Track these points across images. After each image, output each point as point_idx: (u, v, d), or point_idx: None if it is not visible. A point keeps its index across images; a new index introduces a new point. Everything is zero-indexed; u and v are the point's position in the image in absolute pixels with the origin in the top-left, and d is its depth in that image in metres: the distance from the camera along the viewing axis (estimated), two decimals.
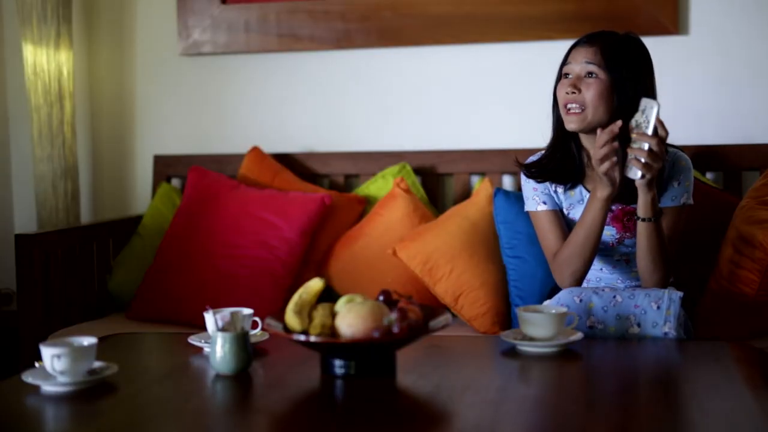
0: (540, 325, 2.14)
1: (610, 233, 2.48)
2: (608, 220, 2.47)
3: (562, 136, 2.49)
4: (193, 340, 2.22)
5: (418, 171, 3.32)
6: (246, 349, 1.98)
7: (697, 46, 3.20)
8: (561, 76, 2.46)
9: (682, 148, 2.53)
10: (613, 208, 2.46)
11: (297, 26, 3.46)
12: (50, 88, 3.46)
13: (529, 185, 2.55)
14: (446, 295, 2.88)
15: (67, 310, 3.06)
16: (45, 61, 3.45)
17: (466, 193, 3.27)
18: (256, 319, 2.18)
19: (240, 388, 1.93)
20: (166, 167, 3.53)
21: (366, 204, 3.25)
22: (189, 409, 1.82)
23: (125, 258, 3.28)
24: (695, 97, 3.18)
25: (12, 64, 3.67)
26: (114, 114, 3.68)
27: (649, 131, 2.26)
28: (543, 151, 2.55)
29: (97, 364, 1.97)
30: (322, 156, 3.42)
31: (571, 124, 2.42)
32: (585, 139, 2.48)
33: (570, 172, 2.50)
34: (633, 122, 2.30)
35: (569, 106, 2.41)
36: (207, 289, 2.99)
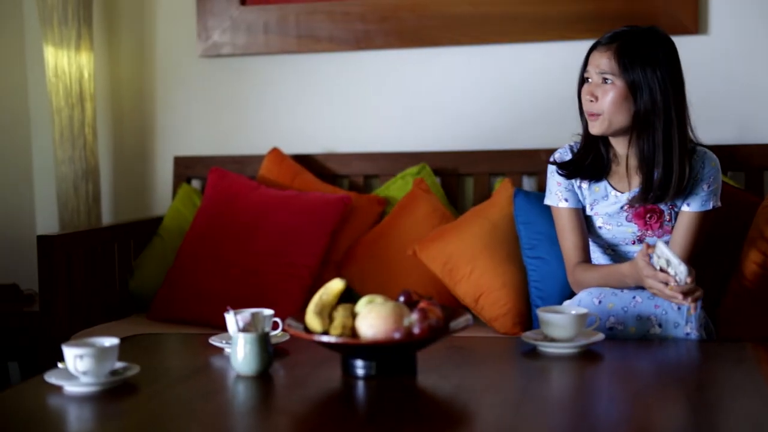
0: (561, 326, 2.14)
1: (631, 230, 2.47)
2: (630, 216, 2.46)
3: (590, 135, 2.48)
4: (214, 340, 2.23)
5: (437, 172, 3.32)
6: (267, 350, 1.98)
7: (717, 46, 3.18)
8: (582, 80, 2.45)
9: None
10: (636, 205, 2.45)
11: (316, 27, 3.46)
12: (71, 90, 3.48)
13: (553, 179, 2.54)
14: (467, 296, 2.88)
15: (89, 310, 3.07)
16: (66, 64, 3.47)
17: (486, 194, 3.26)
18: (277, 319, 2.19)
19: (261, 389, 1.93)
20: (186, 168, 3.54)
21: (386, 205, 3.25)
22: (210, 410, 1.83)
23: (146, 259, 3.30)
24: (716, 96, 3.16)
25: (33, 66, 3.70)
26: (134, 115, 3.70)
27: (681, 277, 2.17)
28: (570, 144, 2.54)
29: (119, 364, 1.98)
30: (342, 157, 3.43)
31: (594, 129, 2.42)
32: (612, 138, 2.47)
33: (598, 170, 2.49)
34: (658, 266, 2.22)
35: (590, 112, 2.42)
36: (227, 290, 3.00)
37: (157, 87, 3.68)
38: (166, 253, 3.27)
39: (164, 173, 3.65)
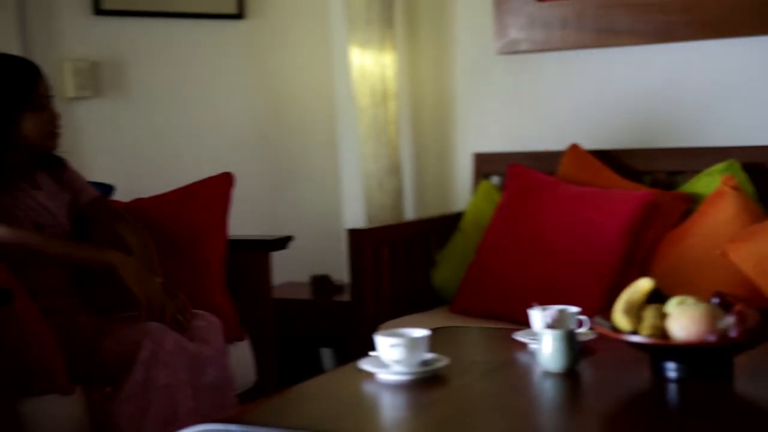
0: None
1: None
2: None
3: None
4: (519, 336, 2.24)
5: (747, 168, 3.15)
6: (573, 347, 1.97)
7: None
8: None
9: None
10: None
11: (615, 21, 3.40)
12: (375, 90, 3.62)
13: None
14: None
15: (394, 302, 3.19)
16: (370, 64, 3.62)
17: None
18: (582, 317, 2.17)
19: (568, 387, 1.92)
20: (485, 165, 3.59)
21: (691, 203, 3.14)
22: (518, 405, 1.85)
23: (448, 253, 3.38)
24: None
25: (340, 67, 3.89)
26: (435, 113, 3.80)
27: None
28: None
29: (429, 355, 2.03)
30: (644, 152, 3.34)
31: None
32: None
33: None
34: None
35: None
36: (528, 285, 3.01)
37: (456, 85, 3.76)
38: (466, 248, 3.33)
39: (463, 170, 3.72)
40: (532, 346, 2.17)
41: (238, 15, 3.71)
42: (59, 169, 2.59)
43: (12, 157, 2.44)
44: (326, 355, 3.77)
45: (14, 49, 3.24)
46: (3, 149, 2.41)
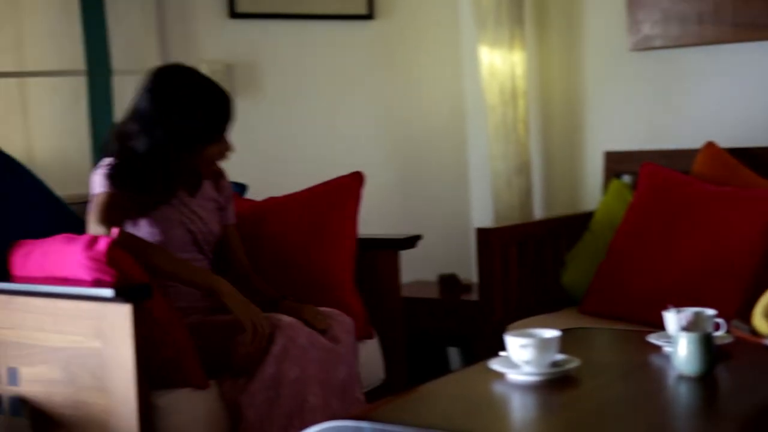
0: None
1: None
2: None
3: None
4: (653, 338, 2.20)
5: None
6: (710, 351, 1.92)
7: None
8: None
9: None
10: None
11: (756, 15, 3.29)
12: (504, 88, 3.61)
13: None
14: None
15: (522, 302, 3.17)
16: (500, 62, 3.61)
17: None
18: (718, 320, 2.11)
19: (704, 391, 1.88)
20: (616, 163, 3.53)
21: None
22: (652, 409, 1.81)
23: (577, 253, 3.33)
24: None
25: (469, 66, 3.89)
26: (564, 111, 3.76)
27: None
28: None
29: (559, 356, 2.01)
30: None
31: None
32: None
33: None
34: None
35: None
36: (661, 287, 2.94)
37: (586, 82, 3.71)
38: (597, 248, 3.28)
39: (594, 168, 3.67)
40: (667, 349, 2.12)
41: (368, 15, 3.74)
42: (218, 177, 2.66)
43: (182, 175, 2.51)
44: (453, 354, 3.77)
45: (154, 51, 3.36)
46: (176, 169, 2.47)
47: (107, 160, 2.47)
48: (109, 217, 2.35)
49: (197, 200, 2.57)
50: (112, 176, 2.41)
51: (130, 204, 2.42)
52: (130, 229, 2.42)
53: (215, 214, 2.61)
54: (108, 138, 2.53)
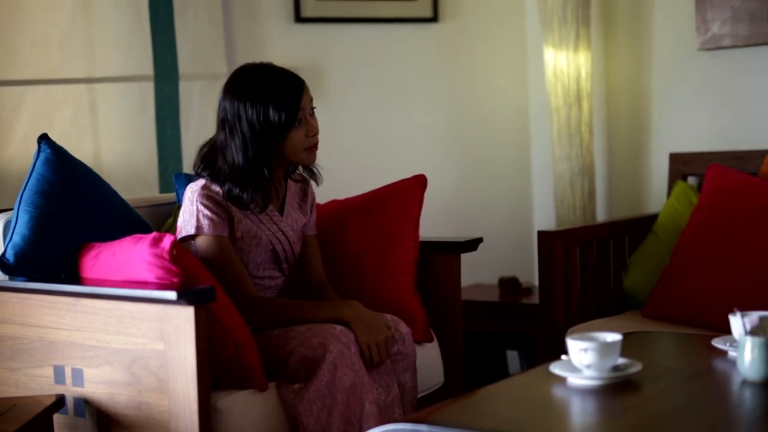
0: None
1: None
2: None
3: None
4: (717, 342, 2.16)
5: None
6: None
7: None
8: None
9: None
10: None
11: None
12: (569, 90, 3.58)
13: None
14: None
15: (584, 305, 3.14)
16: (564, 64, 3.58)
17: None
18: None
19: None
20: (682, 165, 3.48)
21: None
22: (715, 415, 1.78)
23: (640, 256, 3.29)
24: None
25: (534, 67, 3.87)
26: (629, 113, 3.72)
27: None
28: None
29: (621, 360, 1.99)
30: None
31: None
32: None
33: None
34: None
35: None
36: (726, 291, 2.89)
37: (653, 83, 3.66)
38: (661, 251, 3.23)
39: (659, 170, 3.62)
40: (732, 353, 2.09)
41: (433, 18, 3.75)
42: (307, 185, 2.66)
43: (271, 174, 2.47)
44: (512, 357, 3.75)
45: (220, 57, 3.41)
46: (262, 168, 2.44)
47: (201, 182, 2.45)
48: (244, 280, 2.42)
49: (286, 220, 2.56)
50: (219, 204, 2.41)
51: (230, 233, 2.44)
52: None
53: (299, 231, 2.61)
54: (201, 156, 2.50)
